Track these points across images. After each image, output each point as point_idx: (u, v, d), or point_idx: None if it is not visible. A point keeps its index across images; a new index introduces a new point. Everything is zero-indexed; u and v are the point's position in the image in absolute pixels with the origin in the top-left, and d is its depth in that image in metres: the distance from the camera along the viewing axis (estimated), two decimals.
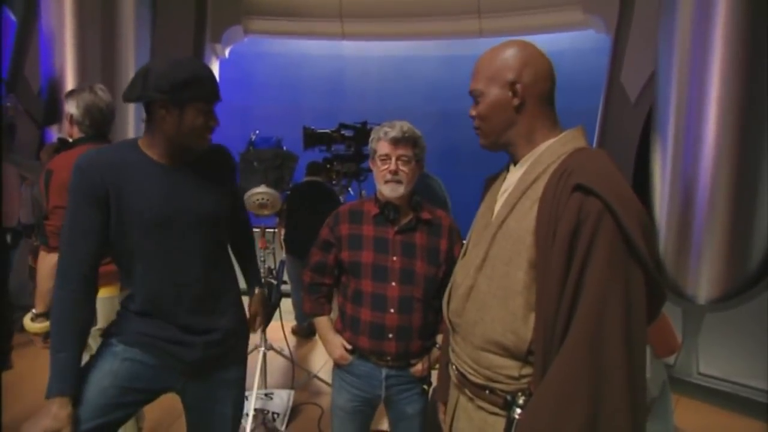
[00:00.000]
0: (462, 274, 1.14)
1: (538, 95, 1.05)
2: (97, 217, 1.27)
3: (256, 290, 1.69)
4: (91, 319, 1.33)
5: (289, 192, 3.35)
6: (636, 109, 3.75)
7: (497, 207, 1.11)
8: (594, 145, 4.03)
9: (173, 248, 1.33)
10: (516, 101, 1.04)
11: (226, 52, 5.43)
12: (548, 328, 0.93)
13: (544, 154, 1.04)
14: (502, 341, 1.03)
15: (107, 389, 1.29)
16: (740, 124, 2.81)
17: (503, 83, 1.04)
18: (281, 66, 6.38)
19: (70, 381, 1.25)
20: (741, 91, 2.78)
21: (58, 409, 1.21)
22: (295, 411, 2.88)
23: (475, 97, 1.09)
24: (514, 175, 1.10)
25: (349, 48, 6.11)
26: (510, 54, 1.05)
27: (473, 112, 1.10)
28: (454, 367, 1.18)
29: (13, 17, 4.35)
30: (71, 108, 1.94)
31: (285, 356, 3.08)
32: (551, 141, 1.06)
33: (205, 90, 1.31)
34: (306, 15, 5.25)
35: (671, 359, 3.12)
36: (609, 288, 0.88)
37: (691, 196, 3.00)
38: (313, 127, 3.70)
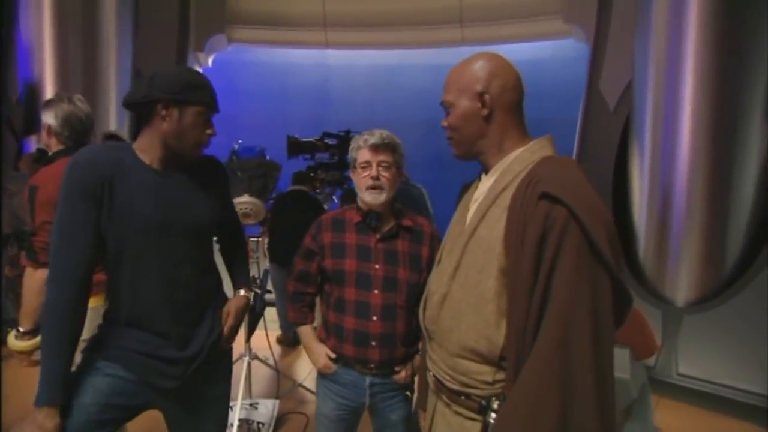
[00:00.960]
0: (436, 282, 1.16)
1: (507, 105, 1.08)
2: (93, 215, 1.24)
3: (241, 292, 1.60)
4: (83, 325, 1.28)
5: (273, 201, 3.35)
6: (615, 116, 3.82)
7: (469, 215, 1.13)
8: (575, 151, 4.10)
9: (163, 253, 1.32)
10: (485, 111, 1.07)
11: (210, 61, 5.42)
12: (519, 334, 0.95)
13: (514, 163, 1.07)
14: (476, 348, 1.05)
15: (88, 406, 1.26)
16: (714, 129, 2.89)
17: (472, 94, 1.08)
18: (266, 74, 6.35)
19: (60, 390, 1.21)
20: (714, 97, 2.85)
21: (45, 419, 1.18)
22: (280, 420, 2.86)
23: (447, 108, 1.13)
24: (485, 184, 1.13)
25: (336, 57, 6.12)
26: (478, 66, 1.09)
27: (445, 123, 1.14)
28: (431, 373, 1.19)
29: None
30: (49, 119, 1.91)
31: (270, 365, 3.06)
32: (520, 150, 1.09)
33: (208, 96, 1.34)
34: (290, 24, 5.26)
35: (651, 360, 3.18)
36: (576, 292, 0.91)
37: (669, 201, 3.06)
38: (297, 136, 3.71)
